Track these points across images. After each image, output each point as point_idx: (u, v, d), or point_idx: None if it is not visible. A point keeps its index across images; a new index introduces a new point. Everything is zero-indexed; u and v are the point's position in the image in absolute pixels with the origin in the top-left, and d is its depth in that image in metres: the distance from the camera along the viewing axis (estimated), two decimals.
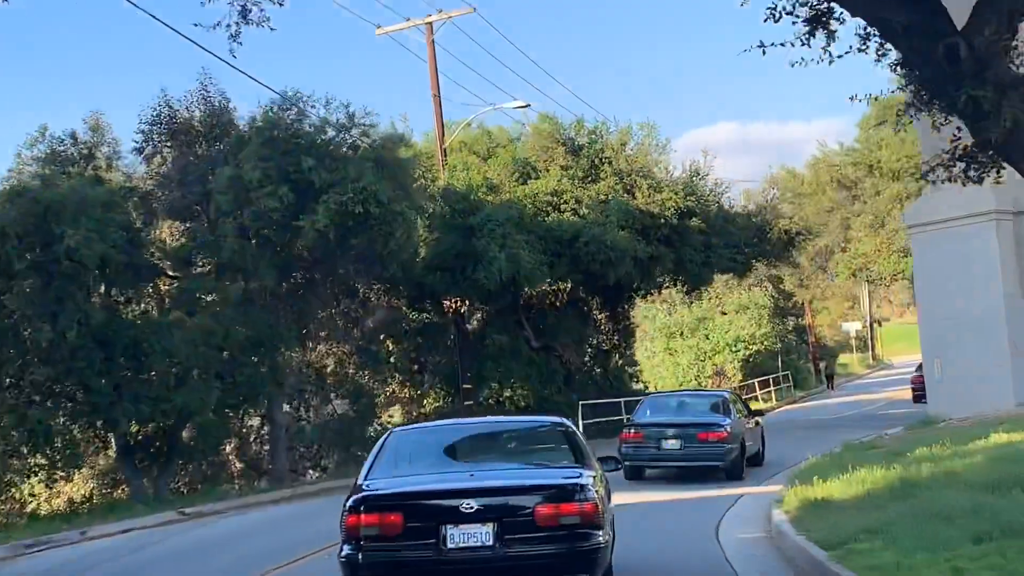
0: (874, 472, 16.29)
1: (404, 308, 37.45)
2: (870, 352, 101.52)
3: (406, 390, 39.18)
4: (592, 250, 34.95)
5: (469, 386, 36.49)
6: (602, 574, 9.68)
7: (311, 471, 35.99)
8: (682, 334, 59.46)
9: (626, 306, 43.85)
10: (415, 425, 13.76)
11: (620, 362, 44.39)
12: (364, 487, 9.85)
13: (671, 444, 22.73)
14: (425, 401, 39.53)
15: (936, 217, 33.10)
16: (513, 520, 9.30)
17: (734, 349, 58.26)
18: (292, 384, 33.97)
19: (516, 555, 9.20)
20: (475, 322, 38.99)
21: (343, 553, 9.44)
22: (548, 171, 38.10)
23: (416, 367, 39.11)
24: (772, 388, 58.39)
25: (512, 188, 36.95)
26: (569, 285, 40.04)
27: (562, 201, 37.08)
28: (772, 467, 24.64)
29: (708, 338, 59.04)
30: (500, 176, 37.47)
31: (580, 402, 37.96)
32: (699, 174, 40.05)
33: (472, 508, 9.21)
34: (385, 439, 11.09)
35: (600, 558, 9.46)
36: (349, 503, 9.53)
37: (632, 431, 23.31)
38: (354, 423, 35.92)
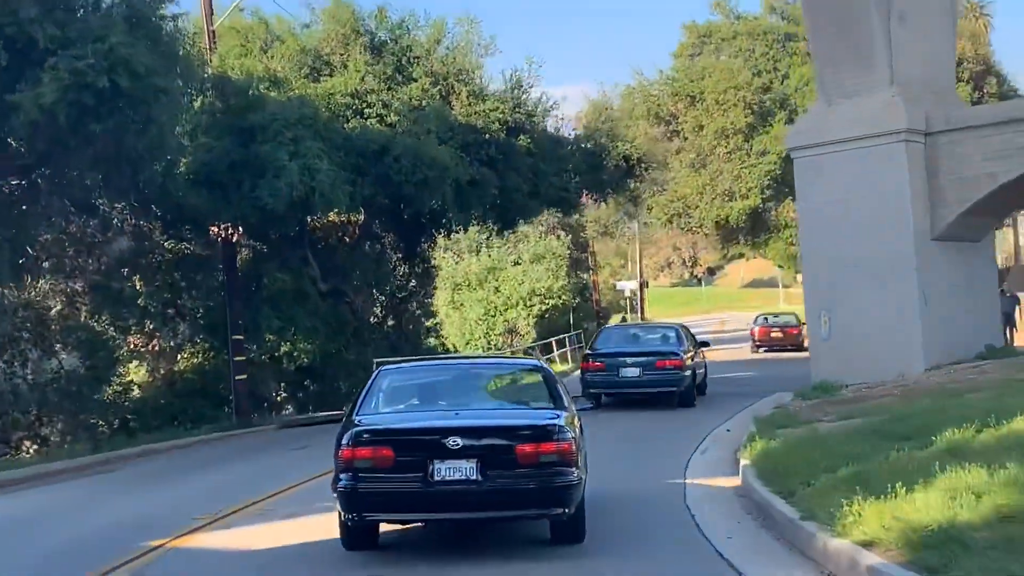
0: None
1: (157, 234, 28.94)
2: (639, 314, 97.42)
3: (156, 341, 30.64)
4: (405, 167, 27.44)
5: (240, 337, 28.39)
6: (575, 507, 10.24)
7: (27, 445, 27.35)
8: (469, 285, 52.56)
9: (426, 246, 36.46)
10: (402, 363, 13.66)
11: (418, 313, 37.08)
12: (357, 422, 10.56)
13: (631, 372, 24.39)
14: (179, 356, 31.15)
15: (829, 137, 27.16)
16: (495, 456, 10.04)
17: (528, 304, 51.79)
18: (2, 331, 25.31)
19: (497, 488, 9.95)
20: (249, 256, 30.77)
21: (339, 484, 10.08)
22: (347, 67, 30.31)
23: (171, 312, 30.57)
24: (568, 348, 52.33)
25: (301, 85, 29.03)
26: (363, 216, 32.47)
27: (366, 105, 29.44)
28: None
29: (499, 291, 52.35)
30: (285, 70, 29.47)
31: (376, 361, 30.55)
32: (522, 86, 33.00)
33: (458, 445, 9.94)
34: (375, 376, 11.75)
35: (574, 493, 10.16)
36: (344, 437, 10.21)
37: (593, 360, 25.06)
38: (86, 383, 27.43)
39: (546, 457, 9.96)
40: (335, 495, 10.13)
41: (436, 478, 9.83)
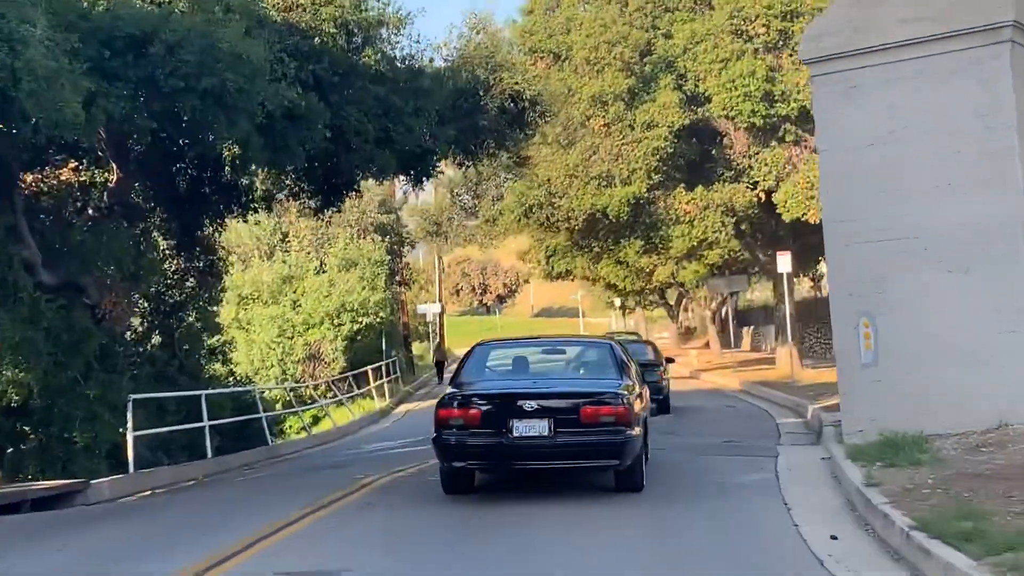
0: None
1: None
2: (440, 341, 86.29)
3: None
4: (187, 65, 16.02)
5: None
6: (632, 460, 12.64)
7: None
8: (260, 298, 40.86)
9: (211, 228, 24.88)
10: (496, 340, 16.18)
11: (198, 326, 25.36)
12: (452, 388, 13.29)
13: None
14: None
15: (873, 40, 17.18)
16: (564, 417, 12.37)
17: (336, 322, 40.47)
18: None
19: (565, 443, 12.34)
20: None
21: (435, 437, 12.76)
22: None
23: None
24: (385, 380, 41.17)
25: None
26: (116, 176, 20.89)
27: None
28: None
29: (298, 306, 40.86)
30: None
31: (133, 398, 18.87)
32: None
33: (533, 407, 12.38)
34: (471, 351, 14.63)
35: (629, 448, 12.47)
36: (440, 399, 13.01)
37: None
38: None
39: (606, 418, 12.37)
40: (434, 447, 12.89)
41: (515, 434, 12.38)
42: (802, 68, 35.57)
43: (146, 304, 24.48)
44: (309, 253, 42.77)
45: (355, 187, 24.20)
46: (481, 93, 22.61)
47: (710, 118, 36.10)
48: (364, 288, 40.46)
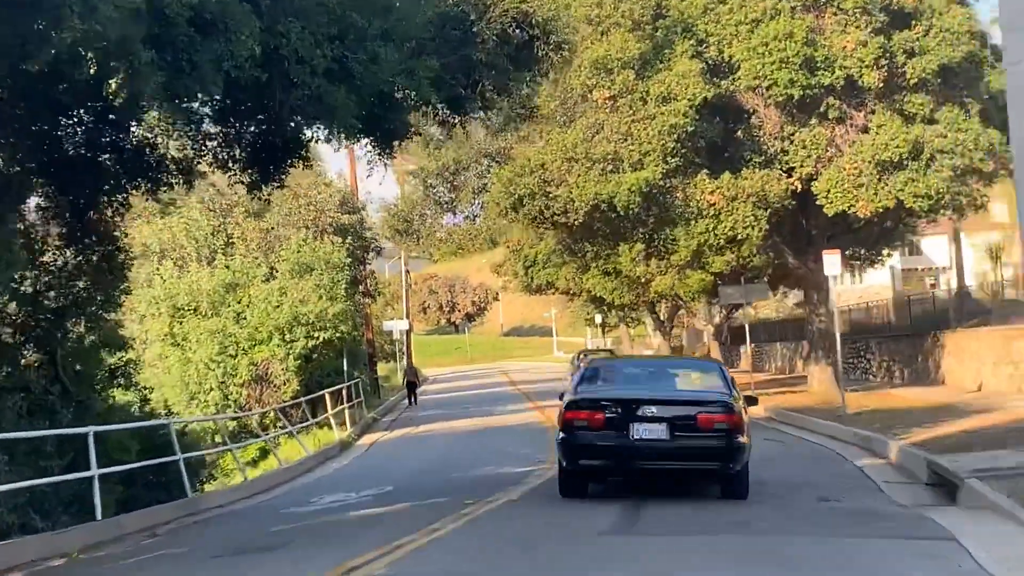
0: None
1: None
2: (407, 360, 79.65)
3: None
4: None
5: None
6: (741, 466, 13.94)
7: None
8: (198, 310, 34.38)
9: (112, 211, 18.57)
10: (609, 358, 18.74)
11: (91, 340, 18.95)
12: (576, 394, 14.52)
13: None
14: None
15: None
16: (681, 423, 13.71)
17: (288, 338, 34.04)
18: None
19: (681, 445, 13.68)
20: None
21: (561, 437, 14.20)
22: None
23: None
24: (346, 405, 34.77)
25: None
26: None
27: None
28: None
29: (243, 318, 34.42)
30: None
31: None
32: None
33: (653, 413, 13.74)
34: (586, 367, 16.30)
35: (740, 454, 13.80)
36: (567, 403, 14.30)
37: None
38: None
39: (720, 425, 13.62)
40: (557, 449, 14.33)
41: (635, 436, 13.65)
42: (849, 29, 29.85)
43: (21, 309, 18.08)
44: (256, 257, 36.36)
45: (301, 152, 17.93)
46: (474, 17, 16.40)
47: (735, 92, 30.16)
48: (321, 297, 34.08)
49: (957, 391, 29.97)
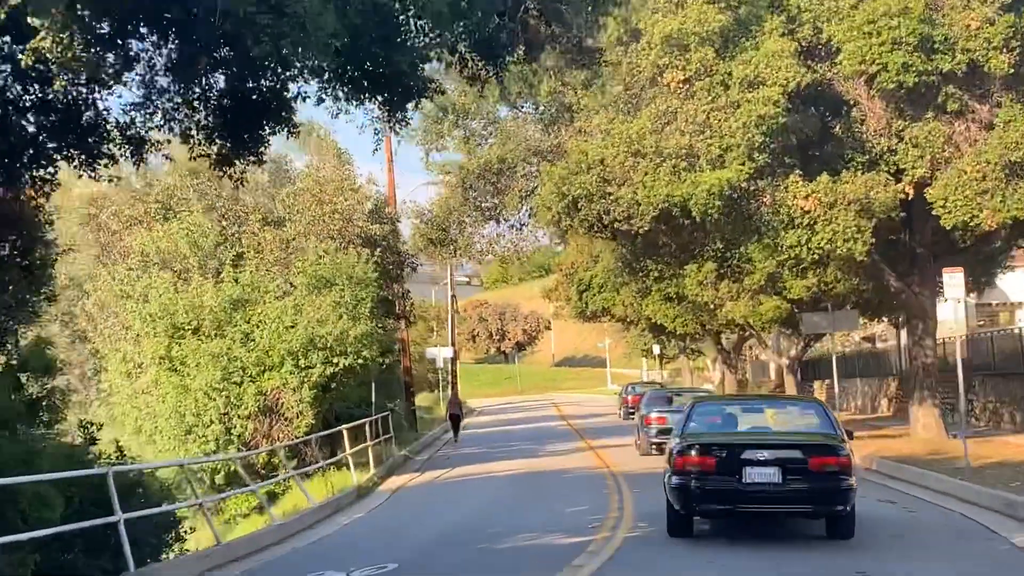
0: None
1: None
2: (452, 391, 74.68)
3: None
4: None
5: None
6: (850, 507, 14.17)
7: None
8: (200, 330, 29.76)
9: (33, 187, 13.98)
10: (711, 396, 18.48)
11: (7, 360, 14.32)
12: (687, 437, 14.67)
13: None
14: None
15: None
16: (793, 466, 13.86)
17: (303, 363, 29.28)
18: None
19: (794, 489, 13.83)
20: None
21: (673, 482, 14.31)
22: None
23: None
24: (371, 443, 29.99)
25: None
26: None
27: None
28: None
29: (251, 340, 29.75)
30: None
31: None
32: None
33: (764, 457, 13.86)
34: (692, 407, 16.11)
35: (850, 496, 14.01)
36: (678, 448, 14.49)
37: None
38: None
39: (830, 468, 13.83)
40: (667, 492, 14.54)
41: (747, 480, 13.81)
42: (973, 4, 24.91)
43: None
44: (270, 270, 31.77)
45: (286, 112, 13.28)
46: None
47: (833, 79, 25.26)
48: (342, 317, 29.34)
49: None
